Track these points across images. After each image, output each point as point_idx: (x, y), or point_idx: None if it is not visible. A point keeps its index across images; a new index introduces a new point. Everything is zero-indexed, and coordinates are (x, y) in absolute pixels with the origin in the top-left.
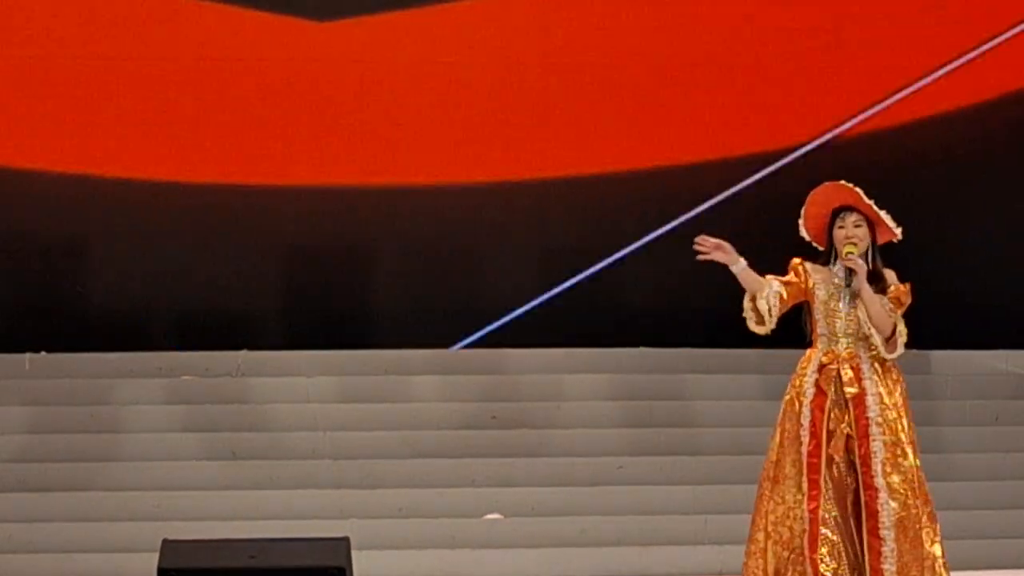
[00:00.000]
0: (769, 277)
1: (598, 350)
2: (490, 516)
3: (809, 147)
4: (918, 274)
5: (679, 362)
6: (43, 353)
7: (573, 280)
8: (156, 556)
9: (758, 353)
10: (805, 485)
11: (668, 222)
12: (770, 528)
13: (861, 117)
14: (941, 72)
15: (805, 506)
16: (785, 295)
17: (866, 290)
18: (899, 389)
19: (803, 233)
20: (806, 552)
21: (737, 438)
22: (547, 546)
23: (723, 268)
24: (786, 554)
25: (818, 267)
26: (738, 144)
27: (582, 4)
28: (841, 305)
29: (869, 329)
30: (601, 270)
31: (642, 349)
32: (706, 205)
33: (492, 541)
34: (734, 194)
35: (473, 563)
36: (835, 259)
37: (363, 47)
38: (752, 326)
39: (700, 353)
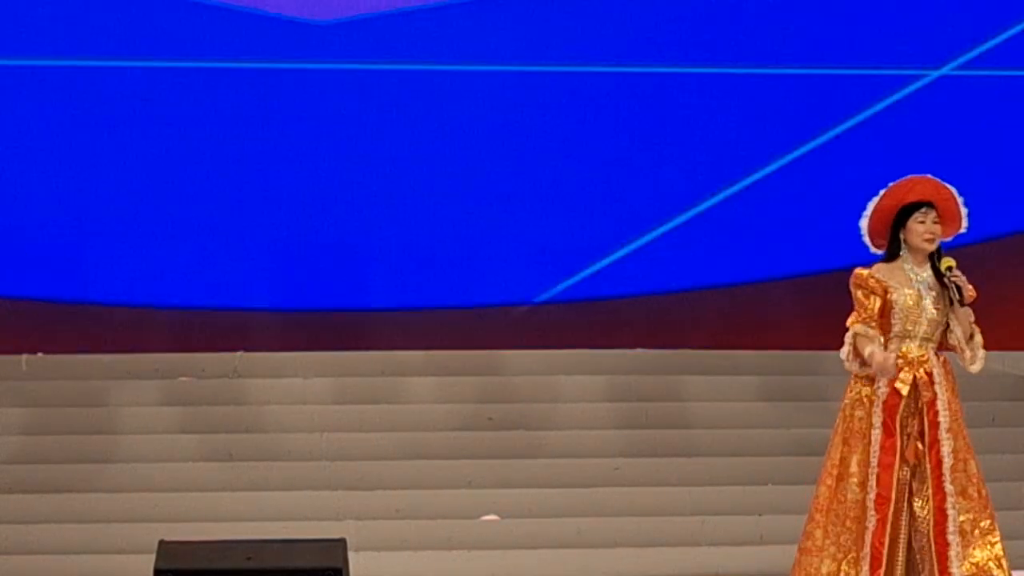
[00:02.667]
0: (860, 329)
1: (594, 351)
2: (487, 517)
3: (806, 148)
4: None
5: (675, 363)
6: (40, 354)
7: (570, 281)
8: (153, 557)
9: (755, 354)
10: (873, 482)
11: (666, 223)
12: (830, 527)
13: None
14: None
15: (872, 503)
16: (877, 331)
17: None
18: (957, 394)
19: (862, 226)
20: (867, 548)
21: (734, 439)
22: (544, 547)
23: (721, 269)
24: (840, 555)
25: (884, 267)
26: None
27: None
28: (924, 308)
29: (960, 343)
30: (598, 271)
31: (638, 350)
32: (705, 205)
33: (489, 542)
34: (733, 195)
35: (470, 564)
36: (907, 252)
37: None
38: (849, 366)
39: (697, 354)
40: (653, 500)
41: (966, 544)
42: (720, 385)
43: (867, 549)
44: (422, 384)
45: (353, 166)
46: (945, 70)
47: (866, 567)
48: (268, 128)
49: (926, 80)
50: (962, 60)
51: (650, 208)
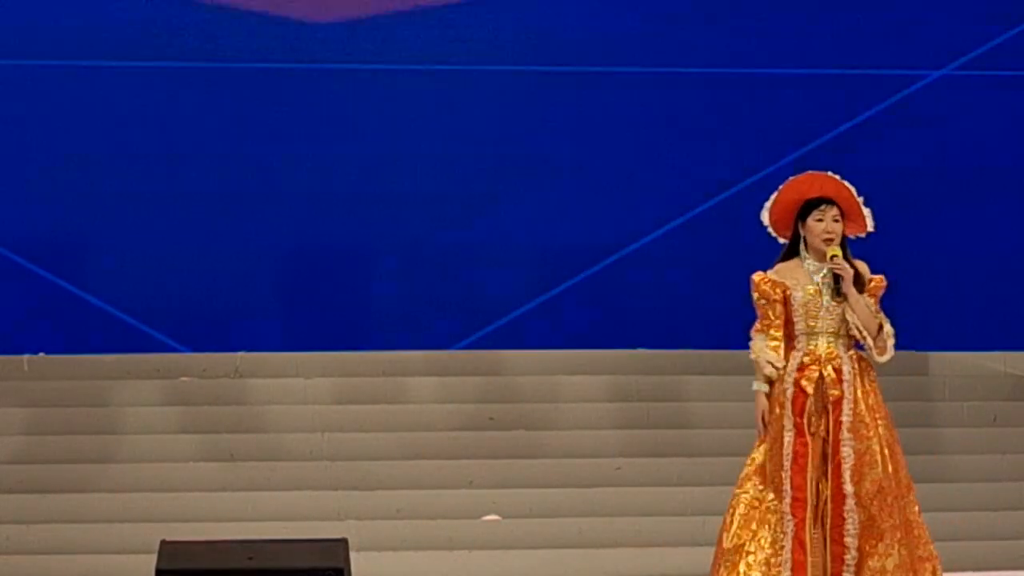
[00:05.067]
0: (758, 347)
1: (595, 351)
2: (488, 517)
3: (807, 149)
4: (917, 275)
5: (676, 363)
6: (41, 354)
7: (571, 281)
8: (154, 557)
9: None
10: (788, 486)
11: (666, 223)
12: (743, 531)
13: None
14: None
15: (788, 507)
16: (779, 343)
17: (852, 293)
18: (875, 389)
19: (763, 217)
20: (787, 553)
21: (734, 440)
22: (545, 547)
23: (721, 269)
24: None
25: (783, 267)
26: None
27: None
28: (823, 302)
29: (860, 332)
30: (599, 271)
31: (639, 351)
32: (705, 206)
33: (490, 542)
34: (732, 196)
35: (471, 564)
36: (807, 250)
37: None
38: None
39: (697, 354)
40: (654, 500)
41: (867, 551)
42: (721, 385)
43: (787, 555)
44: (423, 384)
45: (353, 165)
46: (945, 70)
47: (788, 573)
48: (268, 128)
49: (926, 80)
50: (962, 60)
51: (652, 207)
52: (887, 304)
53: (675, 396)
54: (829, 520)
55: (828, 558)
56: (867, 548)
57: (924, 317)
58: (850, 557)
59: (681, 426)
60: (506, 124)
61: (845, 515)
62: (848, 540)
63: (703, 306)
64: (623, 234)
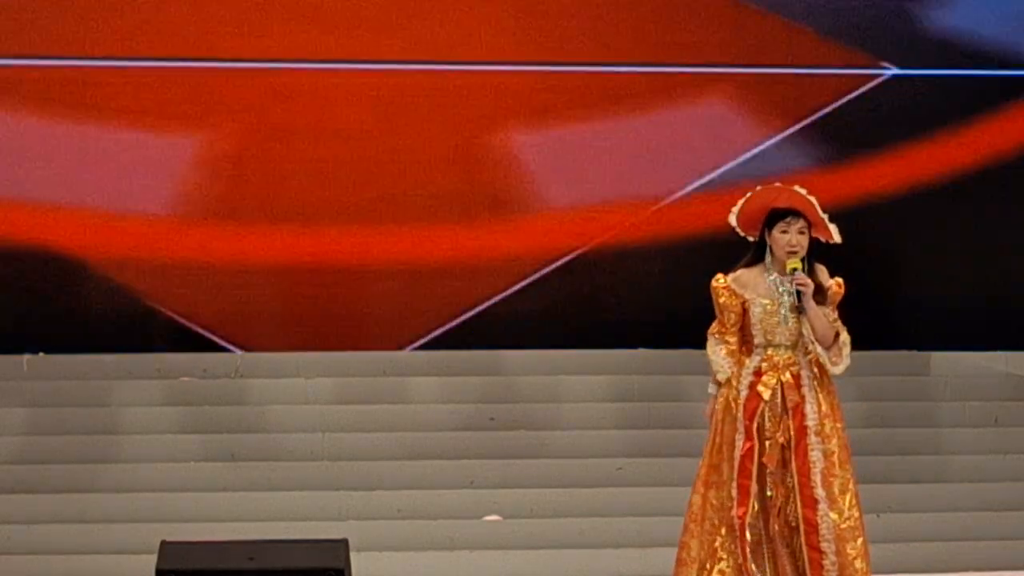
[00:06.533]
0: (712, 351)
1: (597, 351)
2: (489, 518)
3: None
4: (918, 275)
5: (678, 363)
6: (41, 354)
7: (571, 281)
8: (155, 557)
9: None
10: (735, 490)
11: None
12: (704, 537)
13: None
14: None
15: (735, 512)
16: (734, 347)
17: (812, 307)
18: (833, 394)
19: (732, 221)
20: (741, 561)
21: None
22: (546, 548)
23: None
24: (711, 564)
25: (746, 274)
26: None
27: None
28: (781, 316)
29: (813, 345)
30: (599, 271)
31: (641, 350)
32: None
33: (491, 543)
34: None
35: (472, 565)
36: (771, 260)
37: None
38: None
39: (699, 354)
40: (656, 500)
41: (843, 553)
42: None
43: (741, 562)
44: (424, 384)
45: (353, 165)
46: (947, 69)
47: None
48: (268, 127)
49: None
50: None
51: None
52: (893, 304)
53: (676, 396)
54: (802, 526)
55: (806, 565)
56: (842, 549)
57: (925, 317)
58: (829, 562)
59: (682, 426)
60: (506, 124)
61: (819, 520)
62: (824, 545)
63: (704, 306)
64: (624, 234)
